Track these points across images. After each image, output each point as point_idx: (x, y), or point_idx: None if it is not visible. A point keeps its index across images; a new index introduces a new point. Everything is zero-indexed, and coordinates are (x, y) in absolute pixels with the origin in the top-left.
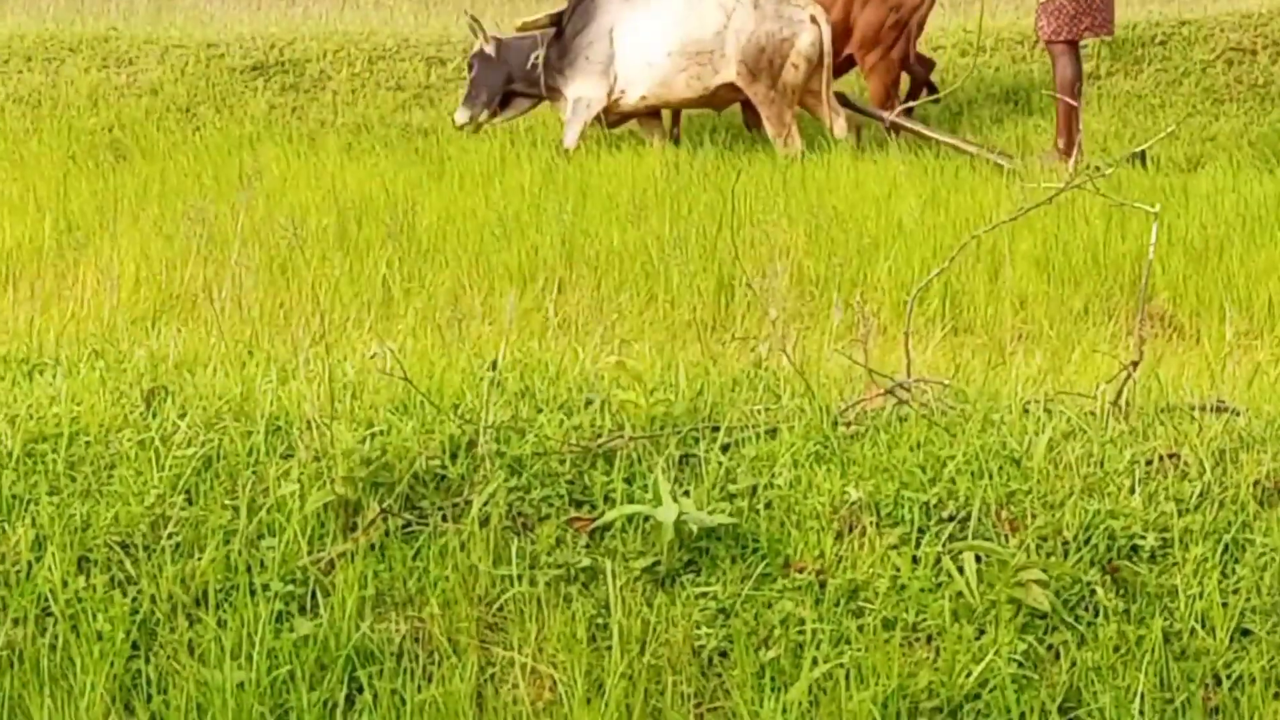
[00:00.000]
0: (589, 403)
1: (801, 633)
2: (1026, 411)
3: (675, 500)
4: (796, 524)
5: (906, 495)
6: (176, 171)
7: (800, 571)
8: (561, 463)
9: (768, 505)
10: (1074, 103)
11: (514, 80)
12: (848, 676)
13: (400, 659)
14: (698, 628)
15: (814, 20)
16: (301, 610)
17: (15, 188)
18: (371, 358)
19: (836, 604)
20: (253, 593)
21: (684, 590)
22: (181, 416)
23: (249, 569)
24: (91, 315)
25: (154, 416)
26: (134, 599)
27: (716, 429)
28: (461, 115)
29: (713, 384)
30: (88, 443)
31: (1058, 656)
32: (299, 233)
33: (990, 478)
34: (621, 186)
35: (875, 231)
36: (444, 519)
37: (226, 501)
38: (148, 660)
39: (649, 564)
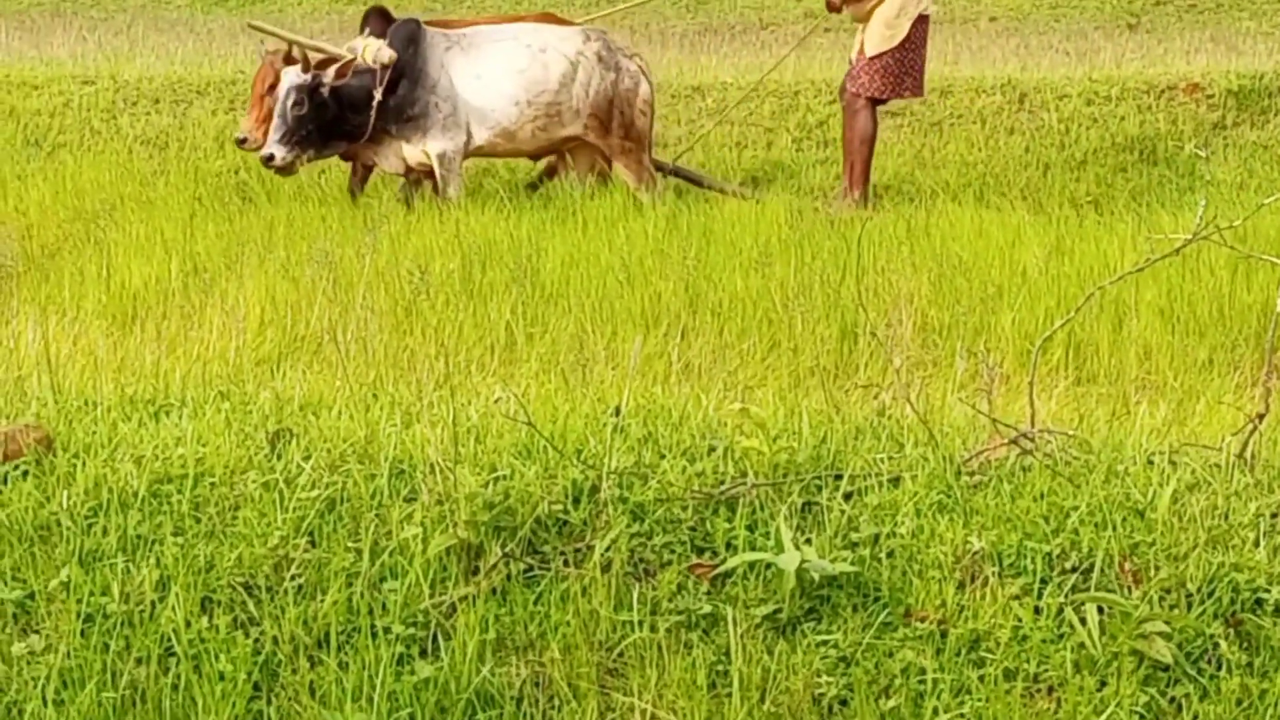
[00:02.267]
0: (712, 449)
1: (922, 682)
2: (1151, 463)
3: (797, 548)
4: (918, 573)
5: (1029, 546)
6: (302, 215)
7: (922, 621)
8: (684, 509)
9: (890, 554)
10: (867, 156)
11: (345, 123)
12: None
13: (520, 703)
14: (818, 676)
15: (645, 72)
16: (422, 653)
17: (142, 229)
18: (495, 402)
19: (958, 654)
20: (374, 635)
21: (805, 638)
22: (306, 459)
23: (371, 611)
24: (217, 356)
25: (278, 458)
26: (256, 640)
27: (839, 477)
28: (280, 154)
29: (836, 432)
30: (212, 484)
31: (1180, 710)
32: (424, 276)
33: (1114, 529)
34: (745, 233)
35: (999, 280)
36: (566, 564)
37: (349, 544)
38: (269, 702)
39: (770, 611)
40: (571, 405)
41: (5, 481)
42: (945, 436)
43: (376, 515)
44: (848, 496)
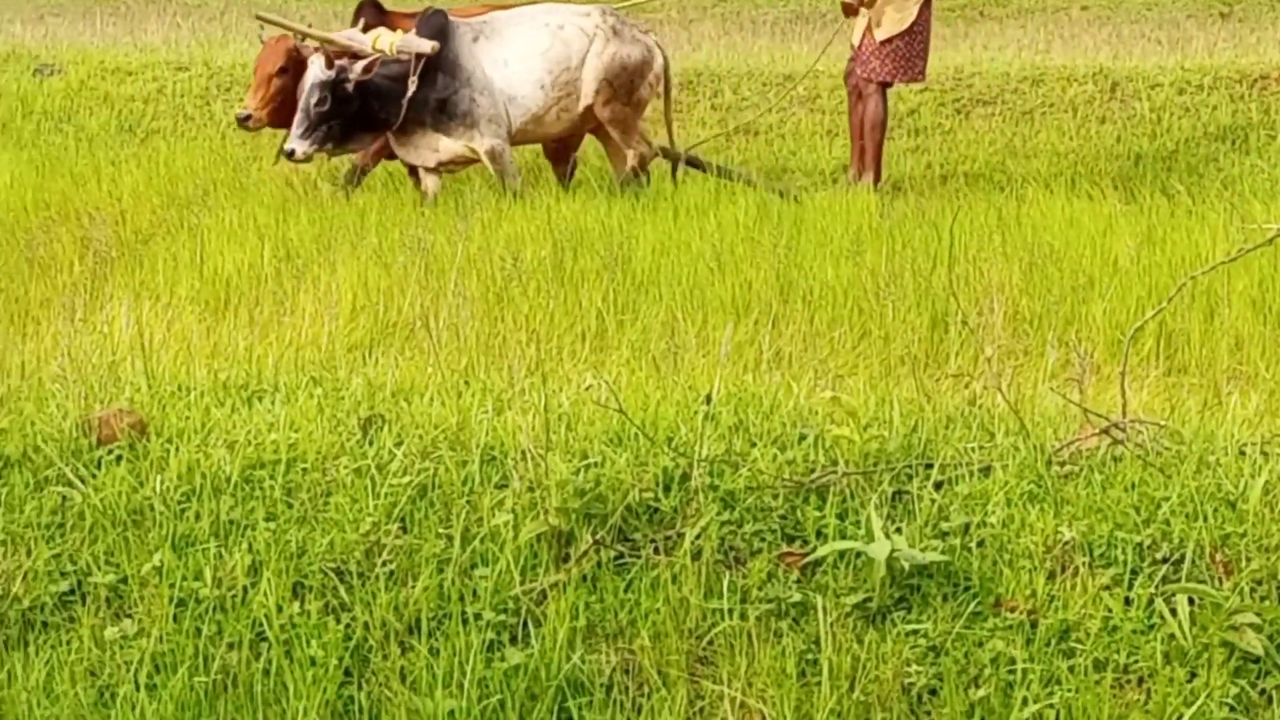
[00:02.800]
0: (803, 437)
1: (1012, 672)
2: (1243, 453)
3: (888, 537)
4: (1009, 563)
5: (1120, 536)
6: (394, 201)
7: (1012, 611)
8: (774, 497)
9: (980, 544)
10: (879, 141)
11: (371, 116)
12: (1058, 717)
13: (610, 691)
14: (908, 665)
15: (659, 47)
16: (513, 640)
17: (235, 215)
18: (587, 389)
19: (1048, 644)
20: (465, 622)
21: (894, 627)
22: (398, 445)
23: (462, 598)
24: (310, 342)
25: (370, 444)
26: (347, 626)
27: (930, 466)
28: (302, 148)
29: (927, 421)
30: (305, 469)
31: (1270, 702)
32: (516, 263)
33: (1205, 520)
34: (836, 221)
35: (1091, 270)
36: (656, 551)
37: (441, 530)
38: (360, 687)
39: (860, 600)
40: (663, 393)
41: (99, 466)
42: (1036, 426)
43: (468, 502)
44: (938, 485)
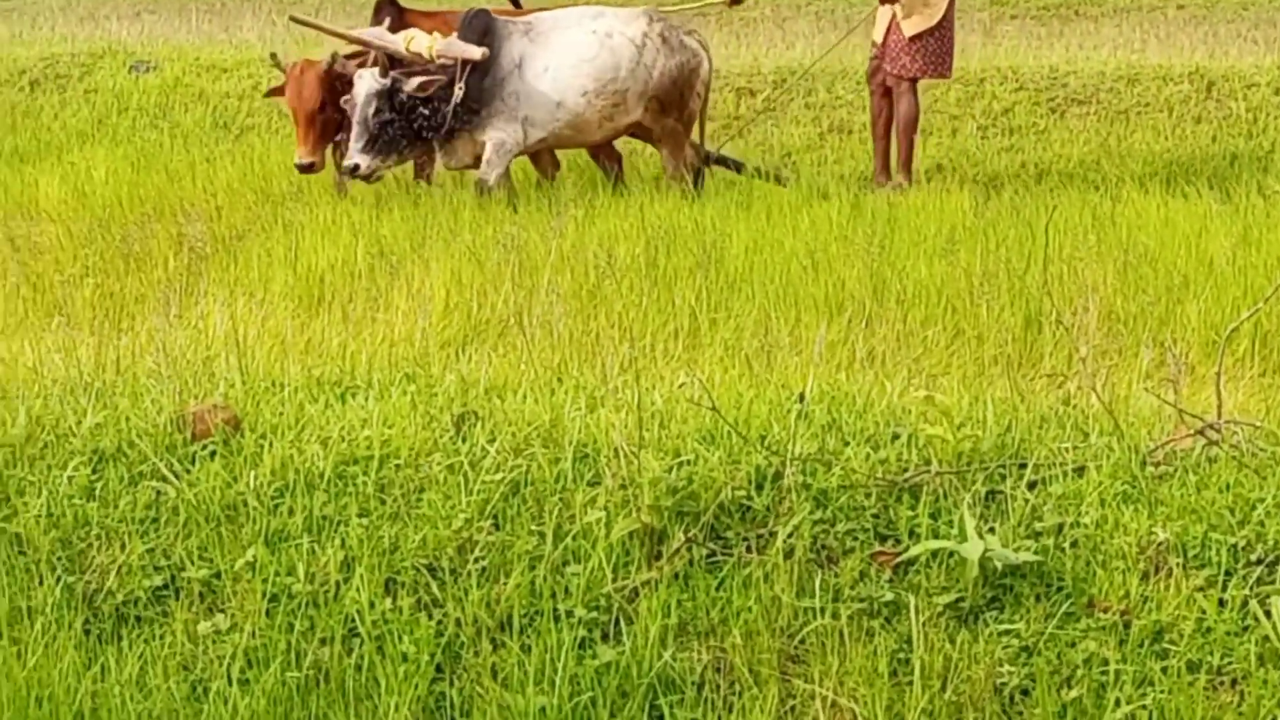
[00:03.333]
0: (896, 436)
1: (1105, 673)
2: None
3: (981, 536)
4: (1102, 563)
5: (1214, 537)
6: (487, 199)
7: (1105, 611)
8: (867, 496)
9: (1073, 544)
10: (914, 138)
11: (422, 123)
12: (1150, 718)
13: (701, 689)
14: (1000, 665)
15: (705, 48)
16: (604, 637)
17: (329, 212)
18: (680, 387)
19: (1141, 645)
20: (557, 619)
21: (987, 627)
22: (491, 442)
23: (554, 595)
24: (403, 339)
25: (463, 441)
26: (439, 622)
27: (1023, 466)
28: (365, 163)
29: (1020, 420)
30: (398, 466)
31: None
32: (610, 261)
33: None
34: (930, 220)
35: (1186, 270)
36: (748, 550)
37: (533, 527)
38: (451, 683)
39: (952, 600)
40: (755, 391)
41: (193, 461)
42: (1130, 426)
43: (560, 499)
44: (1032, 485)
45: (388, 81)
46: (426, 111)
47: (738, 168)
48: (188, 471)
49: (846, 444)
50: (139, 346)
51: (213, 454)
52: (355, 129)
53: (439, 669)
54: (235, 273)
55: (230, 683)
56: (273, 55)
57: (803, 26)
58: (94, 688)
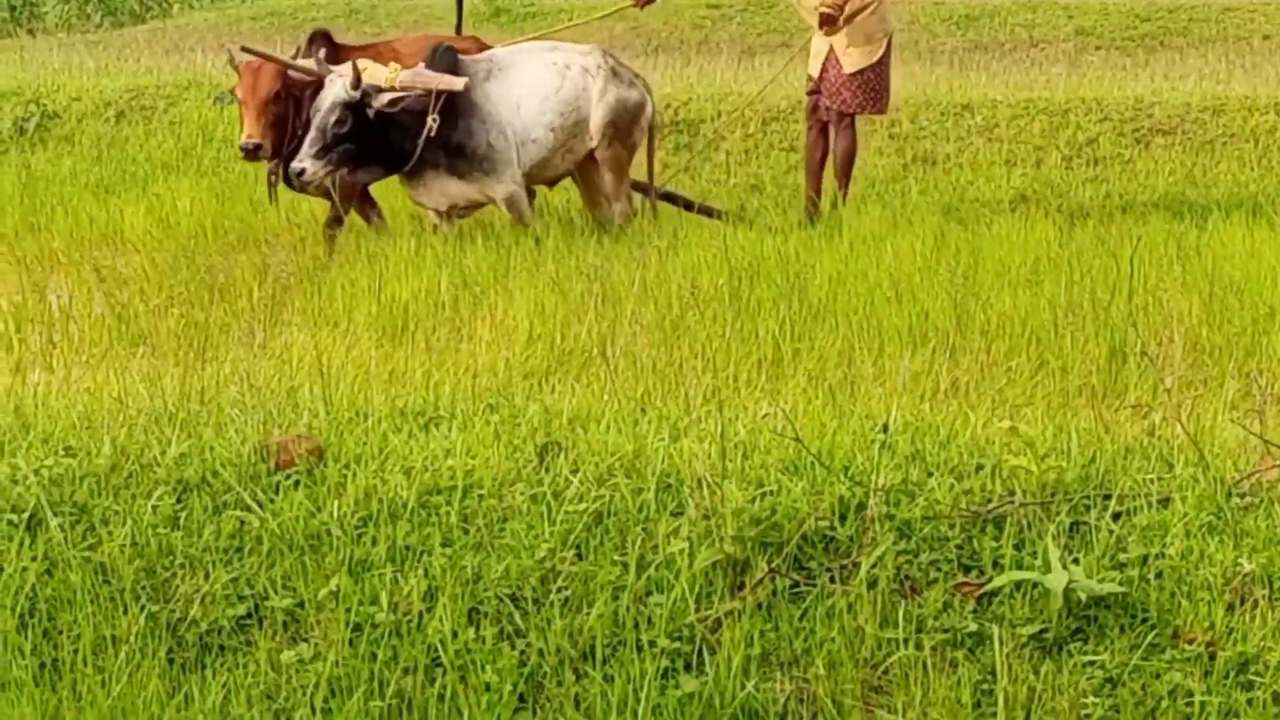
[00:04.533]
0: (979, 467)
1: (1190, 704)
2: None
3: (1065, 567)
4: (1187, 594)
5: None
6: (571, 229)
7: (1190, 643)
8: (951, 527)
9: (1158, 575)
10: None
11: (386, 149)
12: None
13: (784, 719)
14: (1084, 696)
15: (648, 89)
16: (687, 667)
17: (413, 242)
18: (763, 417)
19: (1226, 676)
20: (639, 649)
21: (1071, 658)
22: (574, 472)
23: (636, 625)
24: (486, 369)
25: (547, 471)
26: (522, 652)
27: (1108, 497)
28: (313, 169)
29: (1105, 451)
30: (481, 496)
31: None
32: (693, 291)
33: None
34: (1014, 251)
35: (1272, 300)
36: (831, 580)
37: (616, 557)
38: (534, 713)
39: (1036, 631)
40: (839, 421)
41: (277, 491)
42: (1216, 457)
43: (643, 529)
44: (1116, 516)
45: (357, 94)
46: (393, 138)
47: (688, 205)
48: (271, 501)
49: (930, 475)
50: (223, 376)
51: (296, 484)
52: (312, 133)
53: (522, 699)
54: (319, 303)
55: (313, 712)
56: (230, 57)
57: None
58: (178, 716)
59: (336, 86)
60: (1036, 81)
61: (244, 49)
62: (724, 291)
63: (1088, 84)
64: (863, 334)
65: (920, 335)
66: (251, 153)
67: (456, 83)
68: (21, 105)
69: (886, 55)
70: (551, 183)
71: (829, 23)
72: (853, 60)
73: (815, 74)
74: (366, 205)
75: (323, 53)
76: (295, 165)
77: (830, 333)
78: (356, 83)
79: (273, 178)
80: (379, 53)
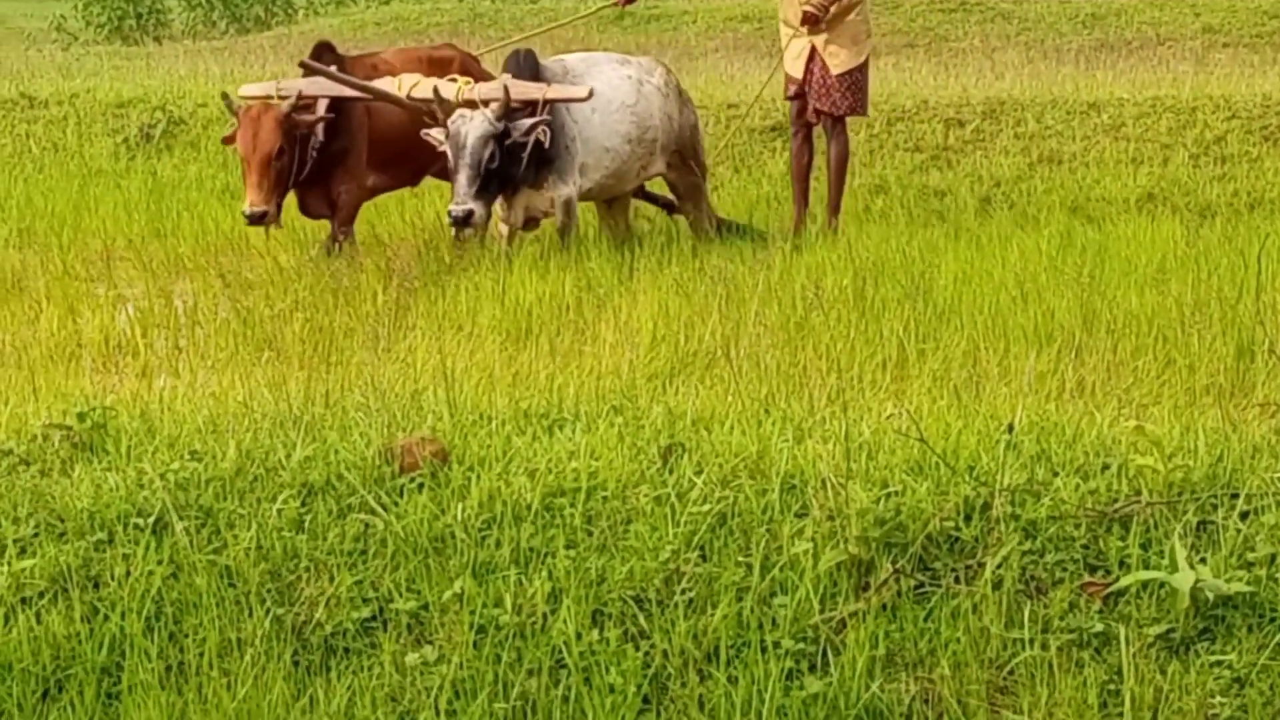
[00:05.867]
0: (1105, 467)
1: None
2: None
3: (1192, 567)
4: None
5: None
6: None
7: None
8: (1076, 527)
9: None
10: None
11: (516, 169)
12: None
13: (909, 719)
14: (1212, 696)
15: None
16: (811, 668)
17: (537, 246)
18: (887, 418)
19: None
20: (764, 650)
21: (1198, 658)
22: (698, 473)
23: (760, 626)
24: (610, 371)
25: (670, 473)
26: (646, 653)
27: (1235, 496)
28: (480, 210)
29: (1232, 450)
30: (605, 497)
31: None
32: (817, 292)
33: None
34: (1141, 250)
35: None
36: (956, 580)
37: (740, 558)
38: (659, 714)
39: (1163, 631)
40: (964, 422)
41: (401, 494)
42: None
43: (767, 530)
44: (1244, 516)
45: (502, 125)
46: (522, 157)
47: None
48: (395, 504)
49: (1056, 474)
50: (348, 380)
51: (420, 486)
52: (465, 173)
53: (646, 700)
54: (443, 306)
55: (438, 714)
56: (224, 96)
57: (1012, 57)
58: (303, 719)
59: (478, 120)
60: (1163, 79)
61: (303, 64)
62: (848, 292)
63: (1215, 82)
64: (988, 334)
65: (1046, 335)
66: (257, 220)
67: (580, 92)
68: (148, 112)
69: (869, 57)
70: (610, 202)
71: (812, 22)
72: (840, 62)
73: (798, 75)
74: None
75: (333, 68)
76: (459, 209)
77: (955, 333)
78: (502, 113)
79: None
80: (374, 65)
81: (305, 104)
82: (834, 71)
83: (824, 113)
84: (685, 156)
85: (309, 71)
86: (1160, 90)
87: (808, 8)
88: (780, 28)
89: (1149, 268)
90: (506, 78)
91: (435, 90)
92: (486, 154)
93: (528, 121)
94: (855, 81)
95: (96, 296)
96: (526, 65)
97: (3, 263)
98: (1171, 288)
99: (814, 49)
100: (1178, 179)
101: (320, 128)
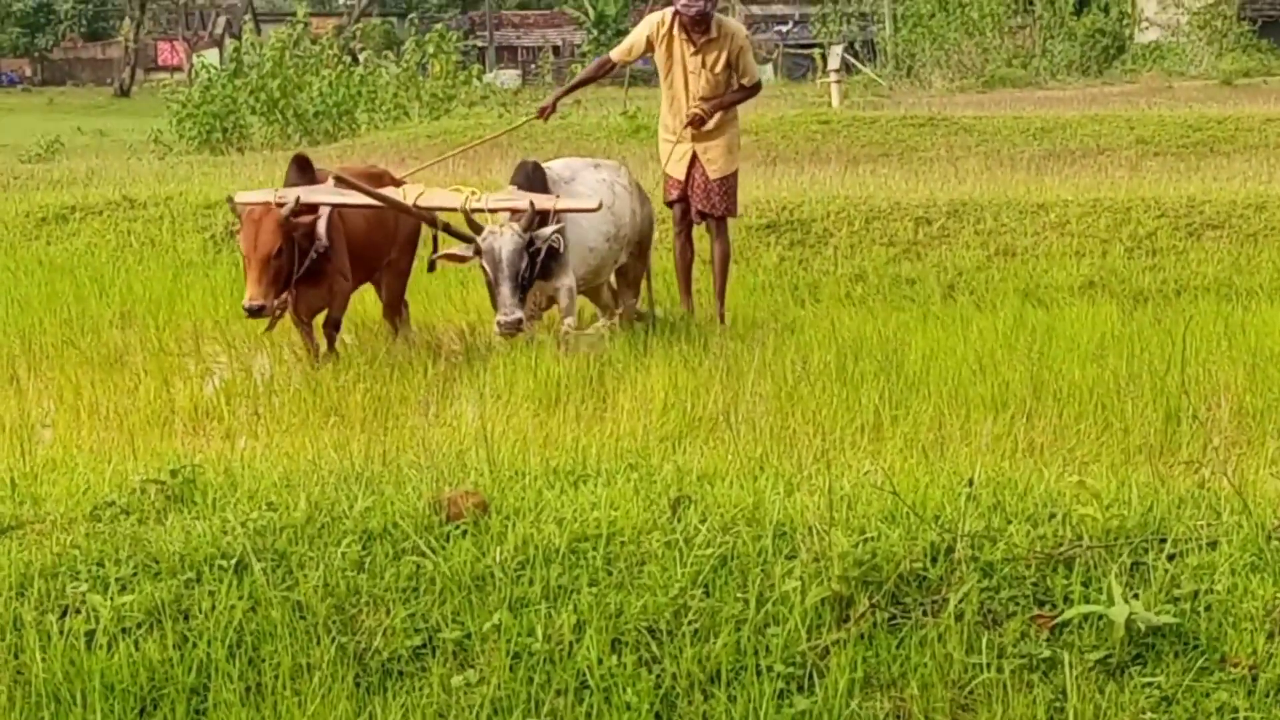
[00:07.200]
0: (1052, 515)
1: None
2: None
3: (1126, 602)
4: (1233, 624)
5: None
6: (700, 314)
7: (1235, 666)
8: (1027, 567)
9: (1208, 608)
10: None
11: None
12: None
13: None
14: (1143, 713)
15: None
16: (799, 689)
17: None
18: (865, 474)
19: (1267, 695)
20: (759, 673)
21: (1132, 680)
22: (702, 521)
23: (756, 653)
24: (627, 434)
25: (679, 521)
26: (658, 676)
27: (1164, 540)
28: (524, 316)
29: (1161, 501)
30: (622, 542)
31: None
32: (805, 366)
33: None
34: (1083, 330)
35: None
36: (924, 613)
37: (738, 595)
38: None
39: (1102, 656)
40: (931, 477)
41: (448, 539)
42: (1258, 506)
43: (762, 570)
44: (1171, 558)
45: (528, 237)
46: (538, 262)
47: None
48: (443, 548)
49: (1009, 522)
50: (402, 442)
51: (464, 533)
52: (507, 285)
53: (657, 717)
54: (484, 378)
55: None
56: (229, 199)
57: (973, 164)
58: None
59: (509, 236)
60: (1102, 184)
61: (336, 177)
62: (831, 366)
63: (1147, 185)
64: (952, 402)
65: (1001, 402)
66: (255, 313)
67: (590, 204)
68: (231, 213)
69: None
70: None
71: (696, 124)
72: (718, 168)
73: (680, 177)
74: (311, 331)
75: (295, 177)
76: (510, 318)
77: (923, 401)
78: (529, 225)
79: (278, 312)
80: (329, 177)
81: (303, 209)
82: (712, 177)
83: (706, 214)
84: (644, 248)
85: (341, 184)
86: (1100, 193)
87: (695, 110)
88: (659, 134)
89: (1090, 345)
90: (513, 189)
91: (464, 208)
92: (523, 265)
93: (548, 230)
94: (730, 186)
95: (187, 370)
96: (536, 177)
97: (108, 340)
98: (1109, 362)
99: (695, 155)
100: (1115, 269)
101: (324, 231)
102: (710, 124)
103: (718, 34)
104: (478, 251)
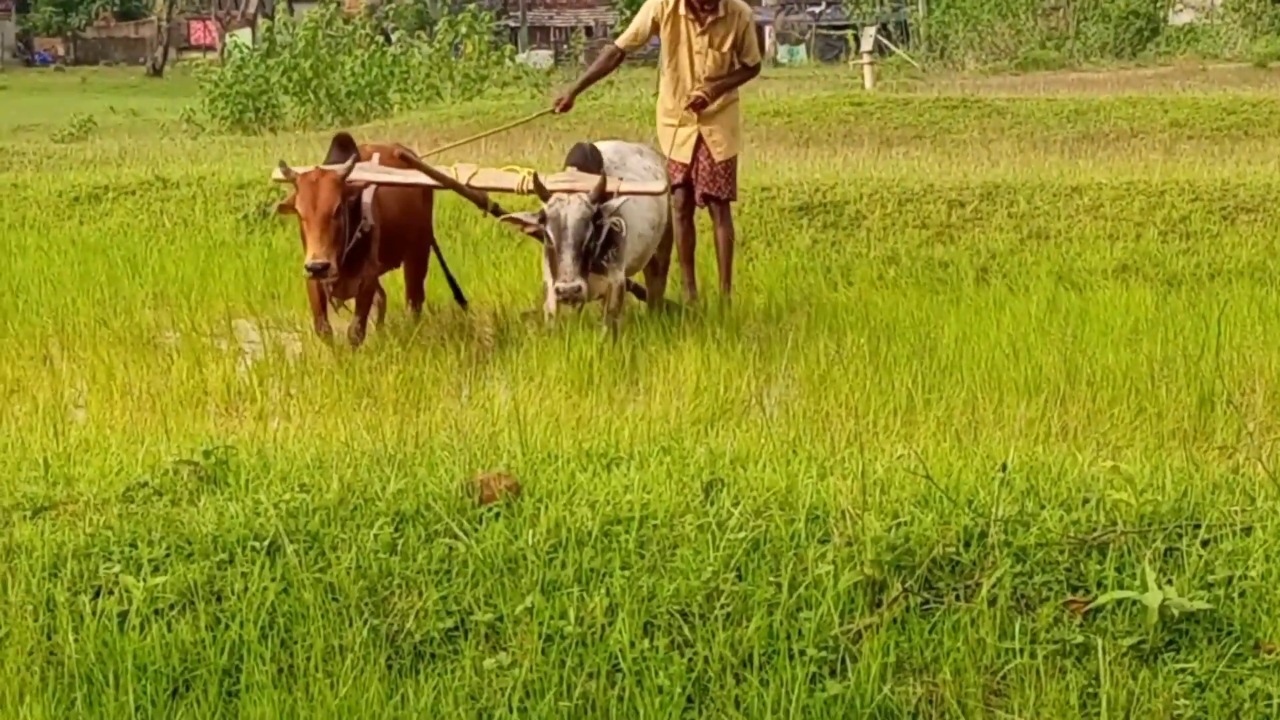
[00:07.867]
0: (1086, 501)
1: (1269, 706)
2: None
3: (1160, 587)
4: (1267, 611)
5: None
6: (735, 298)
7: (1269, 652)
8: (1061, 552)
9: (1241, 594)
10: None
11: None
12: None
13: (916, 718)
14: (1176, 699)
15: None
16: (832, 673)
17: (599, 309)
18: (898, 458)
19: None
20: (791, 657)
21: (1165, 666)
22: (735, 505)
23: (789, 637)
24: (660, 417)
25: (711, 504)
26: (690, 660)
27: (1198, 526)
28: (585, 285)
29: (1195, 487)
30: (655, 525)
31: None
32: (838, 350)
33: None
34: (1116, 314)
35: None
36: (957, 598)
37: (771, 579)
38: (700, 712)
39: (1135, 642)
40: (964, 461)
41: (480, 521)
42: None
43: (794, 554)
44: (1205, 543)
45: (595, 208)
46: (599, 243)
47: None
48: (475, 530)
49: (1043, 507)
50: (435, 424)
51: (497, 515)
52: (569, 253)
53: (690, 700)
54: (517, 360)
55: (511, 711)
56: (282, 163)
57: (1006, 147)
58: (395, 715)
59: (576, 204)
60: (1136, 167)
61: (402, 156)
62: (864, 349)
63: (1181, 168)
64: (985, 386)
65: (1034, 387)
66: (320, 271)
67: (657, 186)
68: (264, 192)
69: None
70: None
71: (699, 107)
72: (723, 150)
73: (686, 160)
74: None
75: (353, 158)
76: (570, 285)
77: (956, 385)
78: (599, 196)
79: (330, 288)
80: (373, 154)
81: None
82: (718, 159)
83: (711, 197)
84: (670, 236)
85: (406, 163)
86: (1134, 176)
87: (697, 93)
88: (658, 118)
89: (1124, 329)
90: (573, 170)
91: (535, 178)
92: (587, 235)
93: (615, 203)
94: (732, 169)
95: (220, 350)
96: (594, 158)
97: (140, 321)
98: (1143, 346)
99: (700, 138)
100: (1149, 252)
101: (370, 210)
102: (713, 106)
103: (725, 13)
104: (543, 219)
